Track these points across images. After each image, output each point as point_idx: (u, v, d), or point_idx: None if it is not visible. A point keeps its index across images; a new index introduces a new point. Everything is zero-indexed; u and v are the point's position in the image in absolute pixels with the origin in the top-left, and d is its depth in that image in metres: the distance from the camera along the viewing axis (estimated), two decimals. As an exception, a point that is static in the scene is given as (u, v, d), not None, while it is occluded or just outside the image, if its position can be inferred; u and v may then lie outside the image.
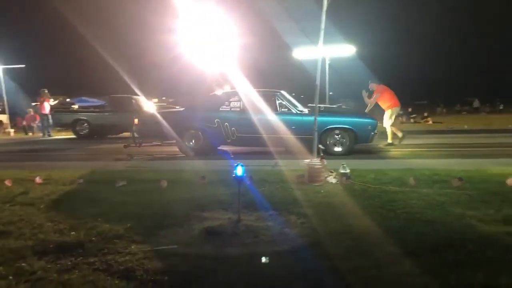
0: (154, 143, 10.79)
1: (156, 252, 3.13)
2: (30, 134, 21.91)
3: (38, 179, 5.93)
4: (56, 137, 18.28)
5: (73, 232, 3.60)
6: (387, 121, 10.67)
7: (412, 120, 26.23)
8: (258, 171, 6.29)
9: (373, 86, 10.99)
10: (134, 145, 10.32)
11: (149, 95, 19.70)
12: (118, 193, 5.19)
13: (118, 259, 2.99)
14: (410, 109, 29.59)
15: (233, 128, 9.34)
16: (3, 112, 24.19)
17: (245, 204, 4.31)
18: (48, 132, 18.59)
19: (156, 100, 24.96)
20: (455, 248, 3.07)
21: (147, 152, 10.22)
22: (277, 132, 8.99)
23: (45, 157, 10.29)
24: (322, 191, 5.09)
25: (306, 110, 9.46)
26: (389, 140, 10.69)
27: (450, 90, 60.56)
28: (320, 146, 6.23)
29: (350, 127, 9.04)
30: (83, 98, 18.97)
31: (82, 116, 17.18)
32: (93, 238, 3.44)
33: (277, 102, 9.45)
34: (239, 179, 3.86)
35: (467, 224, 3.65)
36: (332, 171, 5.79)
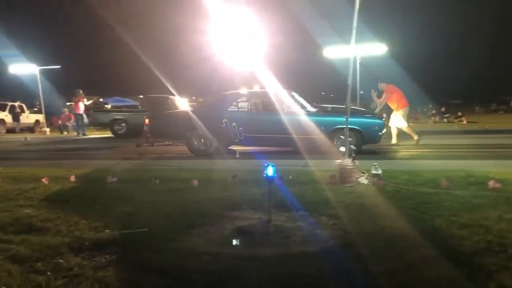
0: (166, 142, 11.04)
1: (186, 250, 3.17)
2: (65, 133, 22.55)
3: (72, 177, 6.09)
4: (90, 136, 18.75)
5: (108, 230, 3.68)
6: (403, 122, 10.77)
7: (445, 120, 25.66)
8: (289, 171, 6.27)
9: (382, 86, 11.11)
10: (147, 144, 10.68)
11: (180, 94, 20.00)
12: (150, 191, 5.27)
13: (152, 257, 3.03)
14: (443, 109, 28.93)
15: (240, 128, 9.46)
16: (39, 112, 24.95)
17: (276, 204, 4.30)
18: (83, 131, 19.10)
19: (187, 99, 25.25)
20: (493, 252, 2.98)
21: (172, 151, 10.37)
22: (283, 132, 9.04)
23: (80, 155, 10.57)
24: (353, 192, 5.03)
25: (314, 110, 9.61)
26: (415, 138, 10.70)
27: (487, 89, 58.76)
28: (352, 146, 6.15)
29: (357, 127, 8.96)
30: (116, 98, 19.38)
31: (120, 115, 17.62)
32: (127, 236, 3.51)
33: (288, 101, 9.50)
34: (269, 179, 3.85)
35: (505, 227, 3.52)
36: (364, 172, 5.71)
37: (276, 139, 9.33)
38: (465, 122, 23.58)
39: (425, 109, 31.12)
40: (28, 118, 25.55)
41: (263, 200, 4.51)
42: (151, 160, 8.88)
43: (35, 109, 26.23)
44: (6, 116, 24.18)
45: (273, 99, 9.62)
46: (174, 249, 3.20)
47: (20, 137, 17.63)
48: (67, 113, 23.76)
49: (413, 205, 4.33)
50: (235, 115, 9.64)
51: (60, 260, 2.99)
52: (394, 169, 6.31)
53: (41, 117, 25.15)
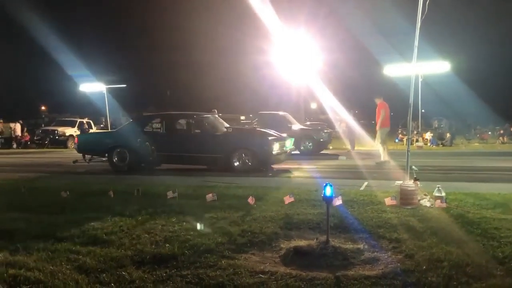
0: (103, 158, 11.70)
1: (243, 268, 3.18)
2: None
3: (134, 192, 6.33)
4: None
5: (168, 245, 3.77)
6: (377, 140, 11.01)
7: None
8: (347, 191, 6.16)
9: (378, 100, 11.27)
10: (83, 160, 11.75)
11: (238, 112, 20.42)
12: (209, 208, 5.35)
13: (209, 273, 3.08)
14: (512, 129, 27.25)
15: (153, 147, 10.20)
16: (105, 128, 26.15)
17: (334, 225, 4.24)
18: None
19: (243, 117, 25.63)
20: None
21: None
22: (190, 151, 10.14)
23: (147, 172, 10.90)
24: (415, 214, 4.85)
25: (219, 132, 10.40)
26: (383, 159, 10.89)
27: None
28: (413, 167, 5.96)
29: (251, 147, 9.87)
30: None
31: None
32: (186, 252, 3.58)
33: (195, 123, 10.56)
34: (328, 199, 3.79)
35: None
36: (426, 193, 5.50)
37: (184, 158, 10.34)
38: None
39: (496, 128, 29.43)
40: (95, 134, 26.88)
41: (320, 220, 4.46)
42: (206, 177, 9.05)
43: (101, 125, 27.48)
44: (75, 132, 25.62)
45: (183, 121, 10.82)
46: (230, 266, 3.22)
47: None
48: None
49: (479, 231, 4.11)
50: (149, 135, 10.56)
51: (123, 273, 3.10)
52: (459, 191, 6.03)
53: (106, 134, 26.33)
